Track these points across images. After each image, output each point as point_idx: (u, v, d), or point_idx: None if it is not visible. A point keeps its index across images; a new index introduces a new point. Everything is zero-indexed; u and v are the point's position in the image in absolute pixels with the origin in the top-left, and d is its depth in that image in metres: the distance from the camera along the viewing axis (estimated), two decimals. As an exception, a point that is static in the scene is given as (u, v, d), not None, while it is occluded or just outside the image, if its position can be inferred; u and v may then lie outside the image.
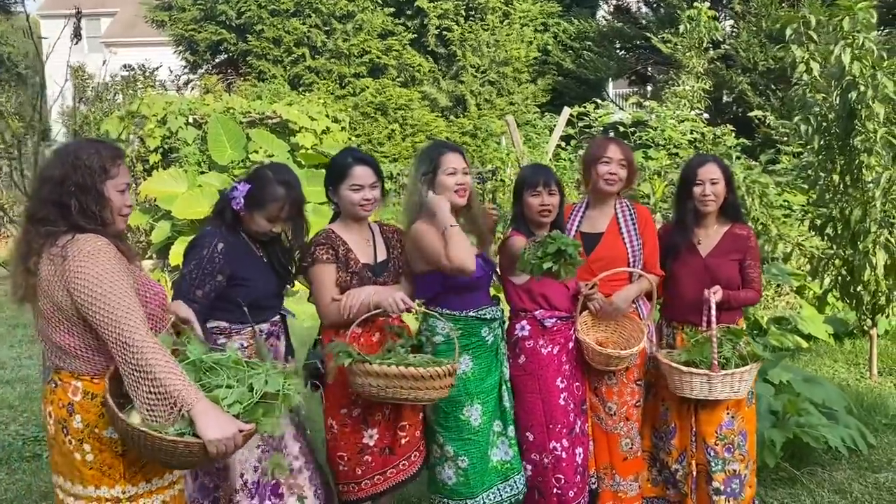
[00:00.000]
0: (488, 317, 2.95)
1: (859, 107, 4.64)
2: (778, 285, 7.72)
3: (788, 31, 5.03)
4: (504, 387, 3.02)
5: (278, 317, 2.86)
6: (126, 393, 1.98)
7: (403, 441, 2.90)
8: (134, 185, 10.10)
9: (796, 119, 4.95)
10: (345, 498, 2.90)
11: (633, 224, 3.21)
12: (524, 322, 3.05)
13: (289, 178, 2.75)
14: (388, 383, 2.56)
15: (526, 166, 3.23)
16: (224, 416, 1.98)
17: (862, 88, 4.59)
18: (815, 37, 4.95)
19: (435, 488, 2.99)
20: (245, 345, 2.71)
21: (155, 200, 9.71)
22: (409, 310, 2.75)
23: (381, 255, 2.95)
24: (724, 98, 15.39)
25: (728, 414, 3.15)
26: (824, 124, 4.98)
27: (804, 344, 6.31)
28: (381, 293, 2.75)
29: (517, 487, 2.98)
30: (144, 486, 2.15)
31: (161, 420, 1.93)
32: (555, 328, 3.04)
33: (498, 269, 3.17)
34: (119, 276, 2.02)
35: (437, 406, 2.89)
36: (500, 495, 2.94)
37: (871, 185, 4.75)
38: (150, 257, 10.08)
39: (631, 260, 3.15)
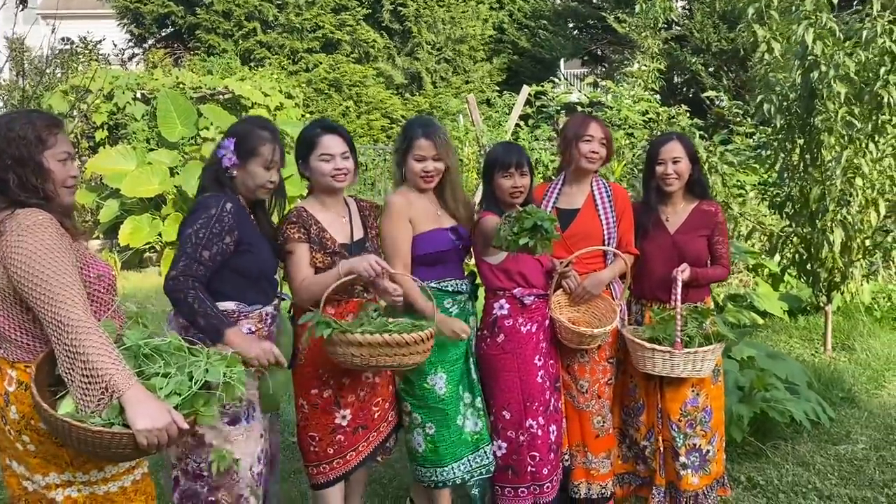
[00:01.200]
0: (450, 289, 2.91)
1: (820, 86, 4.70)
2: (732, 263, 7.87)
3: (750, 11, 5.06)
4: (472, 359, 3.00)
5: (278, 300, 2.70)
6: (61, 378, 1.86)
7: (376, 415, 2.86)
8: (79, 163, 9.73)
9: (759, 98, 5.00)
10: (316, 481, 2.83)
11: (610, 201, 3.19)
12: (503, 301, 3.00)
13: (268, 124, 2.64)
14: (372, 352, 2.48)
15: (497, 145, 3.15)
16: (157, 405, 1.84)
17: (823, 68, 4.65)
18: (776, 16, 4.99)
19: (409, 456, 3.00)
20: (253, 329, 2.54)
21: (102, 178, 9.37)
22: (384, 272, 2.61)
23: (358, 233, 2.85)
24: (676, 79, 15.57)
25: (693, 391, 3.17)
26: (785, 104, 5.04)
27: (760, 321, 6.44)
28: (353, 259, 2.63)
29: (487, 458, 2.98)
30: (97, 475, 2.04)
31: (92, 407, 1.80)
32: (533, 306, 3.01)
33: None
34: (59, 252, 1.90)
35: (404, 374, 2.88)
36: (470, 465, 2.94)
37: (830, 164, 4.83)
38: (98, 237, 9.73)
39: (606, 237, 3.13)
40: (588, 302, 3.14)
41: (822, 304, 5.63)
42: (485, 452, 2.98)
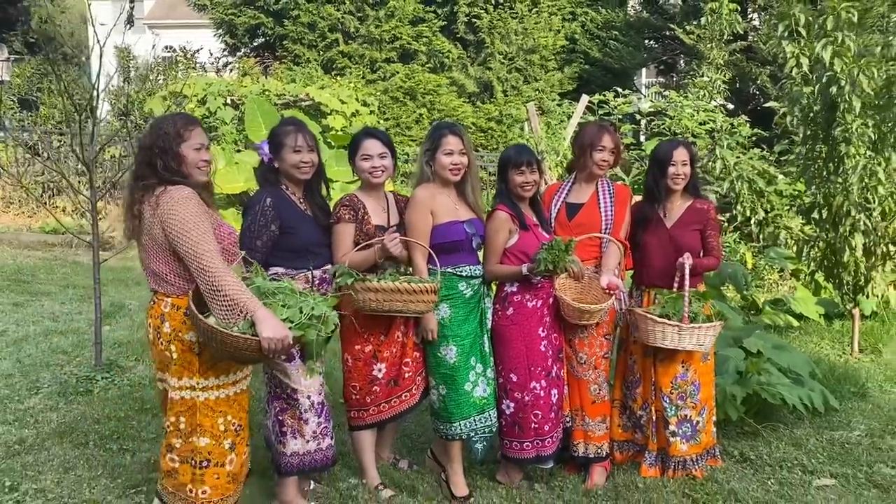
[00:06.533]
0: (465, 274, 3.44)
1: (839, 100, 5.01)
2: (781, 269, 8.10)
3: (780, 28, 5.41)
4: (485, 335, 3.52)
5: (330, 265, 3.34)
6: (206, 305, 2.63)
7: (406, 375, 3.45)
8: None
9: (782, 110, 5.34)
10: (354, 423, 3.47)
11: (611, 199, 3.69)
12: None
13: (293, 120, 3.39)
14: (386, 297, 3.11)
15: (510, 147, 3.70)
16: (278, 322, 2.59)
17: (842, 83, 4.96)
18: (804, 33, 5.32)
19: (430, 411, 3.58)
20: (300, 289, 3.20)
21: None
22: (399, 239, 3.23)
23: (394, 220, 3.48)
24: (750, 89, 15.60)
25: (683, 367, 3.62)
26: (810, 115, 5.36)
27: (795, 323, 6.70)
28: (380, 250, 3.24)
29: (490, 420, 3.49)
30: (213, 381, 2.79)
31: (232, 323, 2.55)
32: (539, 285, 3.52)
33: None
34: (200, 218, 2.67)
35: (423, 346, 3.47)
36: (475, 425, 3.45)
37: (849, 172, 5.13)
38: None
39: (604, 227, 3.62)
40: (589, 281, 3.63)
41: (849, 307, 5.87)
42: (489, 415, 3.48)
